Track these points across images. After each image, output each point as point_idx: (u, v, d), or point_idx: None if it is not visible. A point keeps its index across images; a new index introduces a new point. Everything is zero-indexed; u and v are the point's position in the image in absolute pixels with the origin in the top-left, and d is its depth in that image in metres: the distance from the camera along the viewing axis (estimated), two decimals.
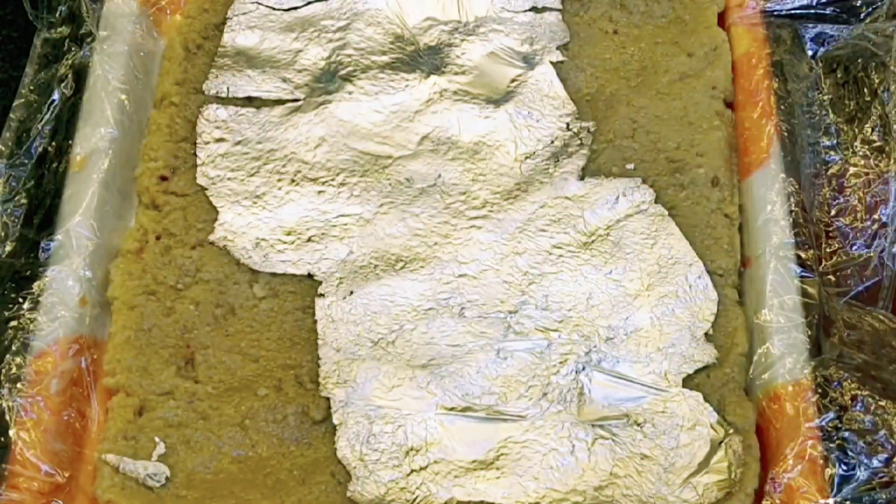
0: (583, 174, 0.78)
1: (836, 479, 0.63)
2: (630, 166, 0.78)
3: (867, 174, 0.76)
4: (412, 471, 0.66)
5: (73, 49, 0.80)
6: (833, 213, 0.75)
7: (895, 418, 0.65)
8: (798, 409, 0.66)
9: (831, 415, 0.65)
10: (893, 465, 0.63)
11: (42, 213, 0.75)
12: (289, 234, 0.75)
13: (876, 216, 0.74)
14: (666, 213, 0.76)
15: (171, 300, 0.73)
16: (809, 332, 0.69)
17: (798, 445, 0.64)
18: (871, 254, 0.73)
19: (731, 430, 0.67)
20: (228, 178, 0.77)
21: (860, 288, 0.72)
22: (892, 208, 0.74)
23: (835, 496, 0.63)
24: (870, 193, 0.75)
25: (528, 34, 0.84)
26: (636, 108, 0.81)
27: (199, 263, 0.74)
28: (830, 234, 0.74)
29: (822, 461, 0.64)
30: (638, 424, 0.68)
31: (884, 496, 0.63)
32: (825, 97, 0.79)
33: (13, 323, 0.69)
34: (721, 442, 0.67)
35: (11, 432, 0.65)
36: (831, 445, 0.64)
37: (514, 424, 0.68)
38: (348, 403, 0.69)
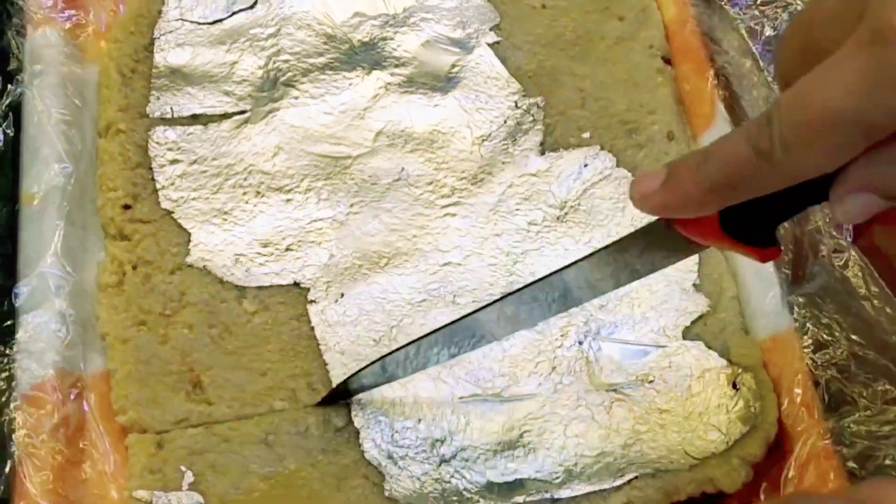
0: (542, 149, 0.79)
1: (832, 402, 0.66)
2: (586, 135, 0.79)
3: None
4: (442, 461, 0.66)
5: (7, 87, 0.77)
6: None
7: (883, 335, 0.67)
8: (791, 345, 0.68)
9: (820, 343, 0.68)
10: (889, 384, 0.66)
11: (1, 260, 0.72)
12: (266, 245, 0.74)
13: None
14: (630, 174, 0.77)
15: (164, 327, 0.71)
16: (786, 270, 0.71)
17: (800, 379, 0.67)
18: None
19: (740, 370, 0.69)
20: (192, 199, 0.75)
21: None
22: None
23: (835, 420, 0.65)
24: None
25: (458, 19, 0.84)
26: (580, 78, 0.82)
27: (183, 287, 0.72)
28: None
29: (821, 391, 0.66)
30: (649, 382, 0.69)
31: (892, 415, 0.65)
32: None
33: (3, 374, 0.66)
34: (733, 382, 0.68)
35: (25, 482, 0.63)
36: (828, 374, 0.67)
37: (531, 402, 0.69)
38: (366, 405, 0.68)
